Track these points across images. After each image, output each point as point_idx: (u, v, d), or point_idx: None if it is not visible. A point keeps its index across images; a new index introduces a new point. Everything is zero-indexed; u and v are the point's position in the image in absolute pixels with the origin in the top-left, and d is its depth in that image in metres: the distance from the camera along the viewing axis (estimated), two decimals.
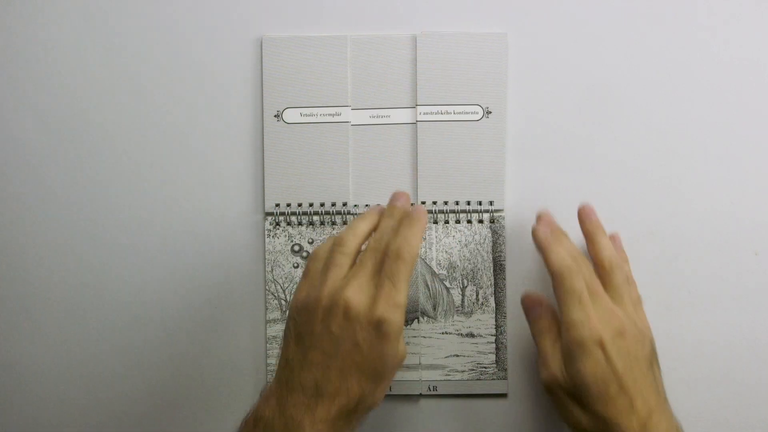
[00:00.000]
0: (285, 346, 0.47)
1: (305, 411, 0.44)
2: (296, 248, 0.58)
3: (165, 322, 0.59)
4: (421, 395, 0.58)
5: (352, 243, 0.48)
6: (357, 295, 0.45)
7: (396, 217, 0.49)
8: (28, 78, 0.59)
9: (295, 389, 0.45)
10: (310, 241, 0.58)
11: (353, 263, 0.48)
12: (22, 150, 0.59)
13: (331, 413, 0.44)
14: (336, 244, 0.48)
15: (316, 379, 0.45)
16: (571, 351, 0.47)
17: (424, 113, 0.58)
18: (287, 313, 0.47)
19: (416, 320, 0.58)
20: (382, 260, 0.46)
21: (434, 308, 0.58)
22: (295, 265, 0.58)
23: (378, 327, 0.44)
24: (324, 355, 0.45)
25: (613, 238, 0.55)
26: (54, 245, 0.59)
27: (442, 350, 0.58)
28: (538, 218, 0.52)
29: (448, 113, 0.58)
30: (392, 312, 0.44)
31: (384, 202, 0.57)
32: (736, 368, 0.57)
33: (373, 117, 0.58)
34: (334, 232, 0.58)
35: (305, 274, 0.48)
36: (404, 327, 0.47)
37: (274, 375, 0.48)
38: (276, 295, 0.58)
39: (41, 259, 0.59)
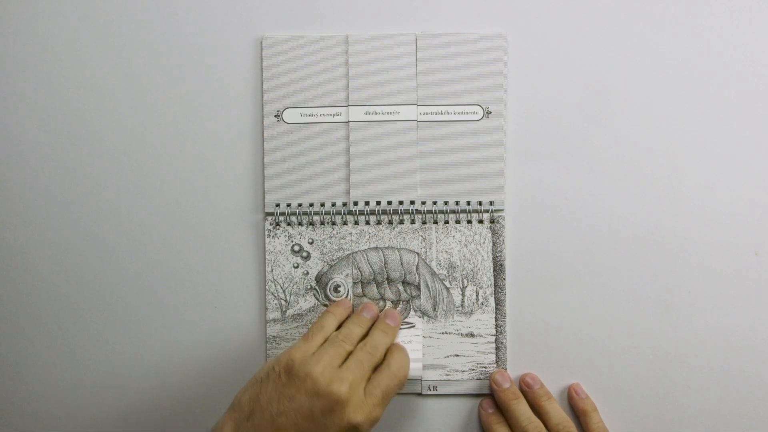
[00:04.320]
0: (254, 395, 0.48)
1: None
2: (296, 248, 0.59)
3: (165, 322, 0.59)
4: (421, 395, 0.58)
5: (350, 343, 0.52)
6: (349, 393, 0.47)
7: (389, 334, 0.54)
8: (28, 78, 0.59)
9: None
10: (310, 241, 0.58)
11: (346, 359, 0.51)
12: (22, 150, 0.59)
13: None
14: (340, 336, 0.52)
15: None
16: None
17: (424, 113, 0.58)
18: (272, 360, 0.50)
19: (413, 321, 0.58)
20: (378, 368, 0.51)
21: (434, 308, 0.58)
22: (295, 265, 0.58)
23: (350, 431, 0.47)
24: (294, 427, 0.46)
25: (574, 390, 0.58)
26: (54, 245, 0.59)
27: (442, 350, 0.58)
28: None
29: (448, 113, 0.58)
30: (368, 426, 0.48)
31: (383, 202, 0.58)
32: (736, 368, 0.57)
33: (373, 117, 0.58)
34: (335, 231, 0.58)
35: (305, 338, 0.51)
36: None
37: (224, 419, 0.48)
38: (276, 295, 0.58)
39: (41, 259, 0.59)
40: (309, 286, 0.58)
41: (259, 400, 0.47)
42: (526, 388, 0.57)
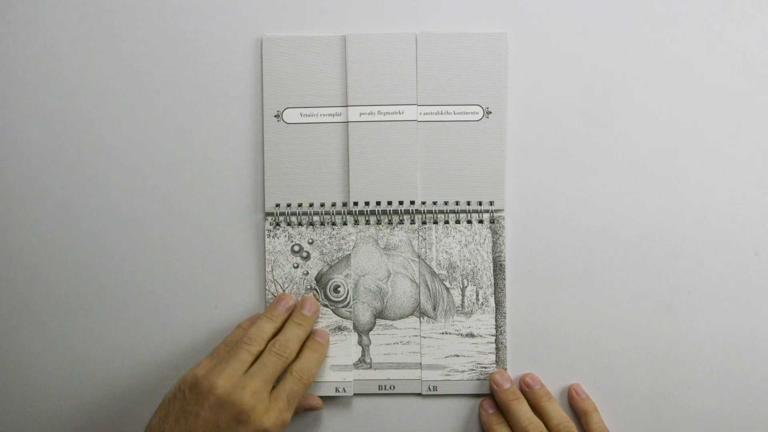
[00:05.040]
0: (163, 416, 0.48)
1: None
2: (296, 248, 0.59)
3: (165, 322, 0.59)
4: (421, 395, 0.58)
5: (257, 343, 0.52)
6: (252, 400, 0.47)
7: (305, 332, 0.55)
8: (28, 78, 0.59)
9: None
10: (310, 241, 0.58)
11: (255, 360, 0.51)
12: (22, 150, 0.59)
13: None
14: (245, 338, 0.52)
15: None
16: None
17: (424, 113, 0.58)
18: (179, 380, 0.50)
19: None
20: (284, 373, 0.51)
21: (434, 308, 0.58)
22: (295, 265, 0.58)
23: None
24: None
25: (575, 391, 0.58)
26: (54, 245, 0.59)
27: (442, 350, 0.58)
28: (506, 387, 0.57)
29: (448, 113, 0.58)
30: (277, 428, 0.48)
31: (383, 201, 0.58)
32: (736, 368, 0.57)
33: (373, 117, 0.58)
34: (334, 232, 0.58)
35: (212, 354, 0.52)
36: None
37: None
38: (276, 295, 0.58)
39: (41, 259, 0.59)
40: (309, 286, 0.58)
41: (167, 421, 0.47)
42: (526, 389, 0.57)
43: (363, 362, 0.58)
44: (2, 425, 0.60)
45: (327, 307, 0.58)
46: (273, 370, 0.50)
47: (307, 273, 0.58)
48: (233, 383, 0.48)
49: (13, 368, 0.60)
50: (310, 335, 0.56)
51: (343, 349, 0.58)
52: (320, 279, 0.58)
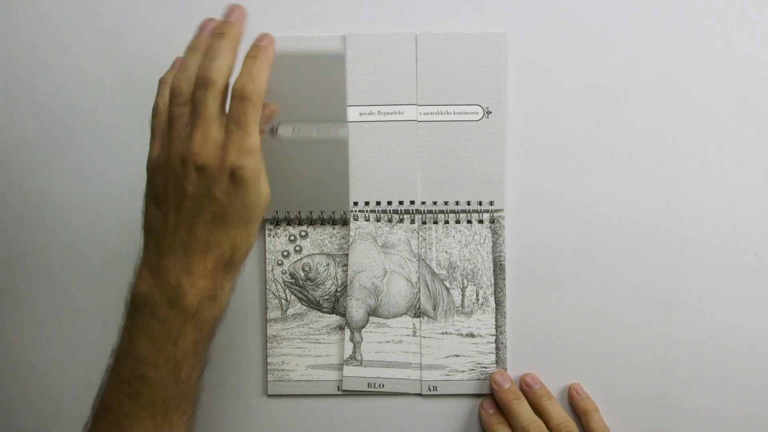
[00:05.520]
0: (146, 211, 0.45)
1: (181, 272, 0.43)
2: (297, 248, 0.59)
3: None
4: (421, 395, 0.58)
5: (187, 90, 0.44)
6: (203, 148, 0.41)
7: (232, 41, 0.45)
8: (28, 78, 0.59)
9: (165, 253, 0.43)
10: (303, 234, 0.58)
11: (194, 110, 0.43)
12: (22, 150, 0.59)
13: (208, 267, 0.43)
14: (172, 95, 0.44)
15: (182, 239, 0.43)
16: None
17: (423, 113, 0.58)
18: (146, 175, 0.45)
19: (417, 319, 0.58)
20: (223, 101, 0.43)
21: (434, 308, 0.58)
22: (285, 253, 0.58)
23: (233, 176, 0.42)
24: (185, 214, 0.43)
25: (575, 390, 0.58)
26: (54, 245, 0.59)
27: (442, 350, 0.58)
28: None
29: (448, 113, 0.58)
30: (245, 158, 0.42)
31: (383, 201, 0.58)
32: (736, 368, 0.57)
33: (373, 117, 0.58)
34: (335, 231, 0.58)
35: (153, 133, 0.45)
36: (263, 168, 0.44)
37: (142, 245, 0.45)
38: (276, 294, 0.58)
39: (41, 259, 0.59)
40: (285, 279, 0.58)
41: (155, 219, 0.44)
42: (526, 388, 0.57)
43: (354, 359, 0.58)
44: (2, 425, 0.60)
45: (294, 293, 0.58)
46: (214, 107, 0.42)
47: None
48: (180, 144, 0.42)
49: (13, 368, 0.60)
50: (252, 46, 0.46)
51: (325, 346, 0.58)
52: (296, 263, 0.58)
